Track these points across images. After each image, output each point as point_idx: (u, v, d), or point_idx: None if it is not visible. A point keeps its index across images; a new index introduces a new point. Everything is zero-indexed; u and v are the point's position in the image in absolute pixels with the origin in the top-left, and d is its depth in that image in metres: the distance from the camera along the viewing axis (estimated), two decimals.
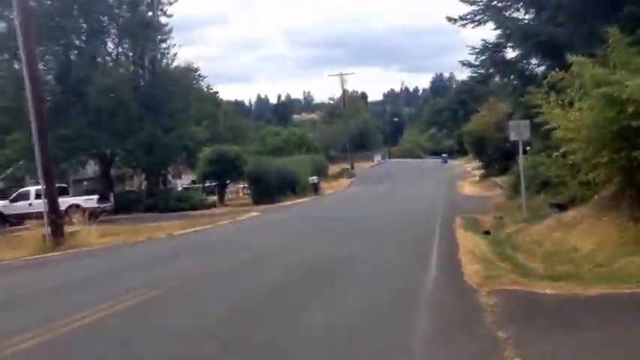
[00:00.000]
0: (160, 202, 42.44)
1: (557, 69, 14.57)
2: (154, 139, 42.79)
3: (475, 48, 23.06)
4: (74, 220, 25.98)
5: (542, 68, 18.34)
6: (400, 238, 17.98)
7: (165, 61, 45.75)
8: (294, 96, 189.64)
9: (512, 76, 22.70)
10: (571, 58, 13.25)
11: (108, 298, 10.47)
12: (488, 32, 23.25)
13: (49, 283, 13.75)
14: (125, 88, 41.32)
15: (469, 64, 24.33)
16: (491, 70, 23.91)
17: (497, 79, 25.17)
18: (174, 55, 45.70)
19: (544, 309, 8.48)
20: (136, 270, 14.70)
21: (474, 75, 24.95)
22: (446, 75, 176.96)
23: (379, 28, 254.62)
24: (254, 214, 33.21)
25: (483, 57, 23.03)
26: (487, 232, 21.54)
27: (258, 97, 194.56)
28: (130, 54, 45.98)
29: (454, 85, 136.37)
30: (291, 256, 15.24)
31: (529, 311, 8.47)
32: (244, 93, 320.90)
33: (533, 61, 20.83)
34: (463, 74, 31.04)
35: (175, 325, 8.66)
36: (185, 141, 45.15)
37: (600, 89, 12.01)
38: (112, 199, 38.77)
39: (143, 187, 47.21)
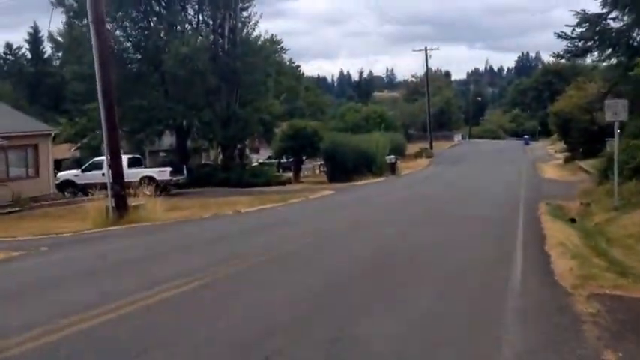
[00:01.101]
0: (233, 176, 41.85)
1: None
2: (231, 112, 42.21)
3: (578, 13, 21.08)
4: (147, 193, 25.51)
5: None
6: (480, 227, 16.44)
7: (245, 30, 44.58)
8: (376, 73, 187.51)
9: (616, 48, 20.51)
10: None
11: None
12: (586, 3, 21.44)
13: (80, 265, 12.33)
14: (203, 58, 40.57)
15: (565, 37, 22.56)
16: (589, 44, 21.96)
17: (595, 54, 23.14)
18: (255, 24, 44.62)
19: None
20: (183, 253, 13.39)
21: (570, 49, 23.04)
22: (532, 55, 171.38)
23: (466, 5, 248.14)
24: (327, 193, 32.19)
25: (582, 28, 21.16)
26: (573, 220, 19.94)
27: (341, 73, 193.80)
28: (210, 22, 45.13)
29: (540, 66, 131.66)
30: (355, 246, 13.64)
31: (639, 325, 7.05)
32: (327, 69, 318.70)
33: None
34: (550, 55, 28.86)
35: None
36: (262, 115, 44.36)
37: None
38: (185, 171, 38.46)
39: (219, 160, 46.78)
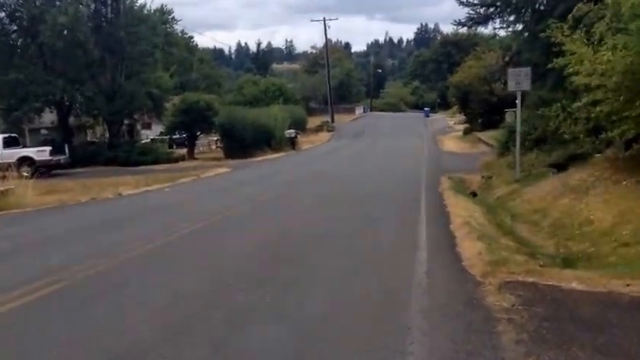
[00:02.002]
0: (121, 154, 39.15)
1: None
2: (116, 86, 39.60)
3: None
4: (24, 174, 22.93)
5: (562, 7, 14.98)
6: (381, 207, 15.29)
7: None
8: (276, 45, 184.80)
9: (522, 11, 19.44)
10: None
11: None
12: None
13: None
14: (84, 28, 37.78)
15: (467, 3, 21.64)
16: (491, 10, 21.06)
17: (497, 21, 22.28)
18: None
19: (581, 318, 6.02)
20: (36, 251, 11.11)
21: (472, 15, 22.12)
22: (431, 26, 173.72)
23: None
24: (221, 170, 30.45)
25: None
26: (474, 194, 19.33)
27: (239, 45, 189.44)
28: None
29: (439, 37, 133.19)
30: (243, 236, 11.81)
31: (560, 321, 5.95)
32: (225, 40, 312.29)
33: None
34: (450, 23, 28.01)
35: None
36: (150, 88, 41.68)
37: None
38: (67, 151, 35.58)
39: (105, 138, 43.92)
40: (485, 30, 24.30)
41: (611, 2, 10.83)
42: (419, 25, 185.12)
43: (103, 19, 40.70)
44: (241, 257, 9.76)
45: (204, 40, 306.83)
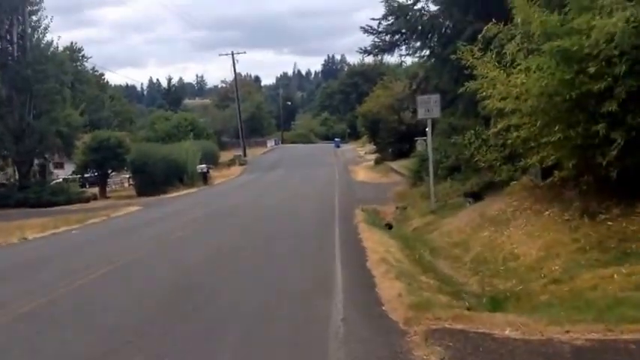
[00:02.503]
0: (32, 196, 37.13)
1: (493, 20, 11.38)
2: (25, 124, 37.68)
3: (387, 2, 19.58)
4: None
5: (469, 30, 14.45)
6: (293, 243, 14.32)
7: (36, 36, 39.75)
8: (187, 80, 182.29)
9: (429, 36, 19.00)
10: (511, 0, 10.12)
11: None
12: None
13: None
14: None
15: (372, 31, 21.23)
16: (397, 37, 20.68)
17: (403, 48, 21.95)
18: (46, 29, 40.04)
19: None
20: None
21: (378, 43, 21.71)
22: (337, 57, 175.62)
23: (271, 9, 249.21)
24: (132, 209, 28.90)
25: (388, 22, 19.78)
26: (390, 226, 18.80)
27: (150, 81, 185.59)
28: None
29: (346, 68, 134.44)
30: (142, 283, 10.81)
31: None
32: (136, 77, 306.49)
33: (458, 17, 16.72)
34: (356, 51, 27.56)
35: None
36: (60, 126, 39.91)
37: (555, 42, 8.91)
38: None
39: (13, 179, 41.38)
40: (392, 58, 24.13)
41: (520, 22, 10.37)
42: (326, 57, 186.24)
43: (9, 57, 38.82)
44: (136, 311, 8.56)
45: (116, 77, 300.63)
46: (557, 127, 9.34)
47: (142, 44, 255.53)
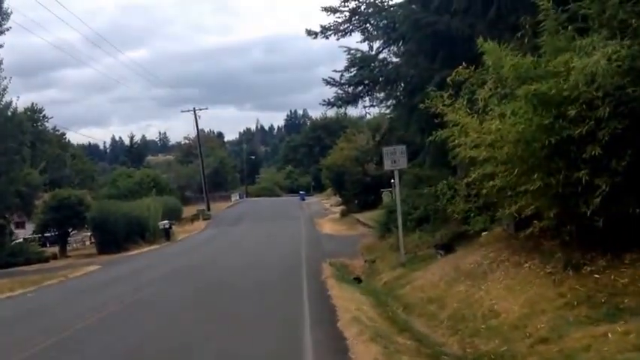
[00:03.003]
0: None
1: (463, 64, 10.93)
2: None
3: (350, 52, 19.26)
4: None
5: (437, 77, 13.96)
6: (258, 302, 13.52)
7: None
8: (150, 137, 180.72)
9: (394, 85, 18.56)
10: (480, 44, 9.70)
11: None
12: (354, 44, 19.94)
13: None
14: None
15: (334, 83, 20.91)
16: (360, 88, 20.36)
17: (367, 99, 21.66)
18: (5, 90, 39.06)
19: None
20: None
21: (341, 95, 21.37)
22: (300, 112, 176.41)
23: (231, 66, 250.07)
24: (91, 268, 27.81)
25: (350, 73, 19.45)
26: (359, 280, 18.14)
27: (113, 139, 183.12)
28: None
29: (308, 122, 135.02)
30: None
31: None
32: (99, 136, 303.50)
33: (424, 65, 16.17)
34: (319, 103, 27.27)
35: None
36: (19, 186, 38.71)
37: (530, 86, 8.46)
38: None
39: None
40: (355, 111, 23.80)
41: (491, 66, 9.93)
42: (288, 112, 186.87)
43: None
44: None
45: (79, 137, 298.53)
46: (535, 175, 8.81)
47: (104, 103, 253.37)
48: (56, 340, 10.78)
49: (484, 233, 14.72)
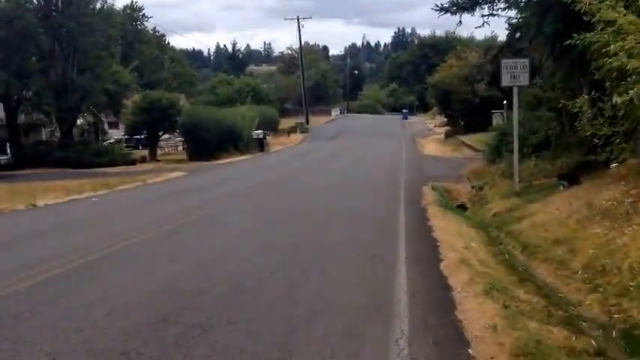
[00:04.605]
0: (73, 156, 35.91)
1: None
2: (68, 80, 36.04)
3: None
4: None
5: None
6: (345, 228, 11.74)
7: None
8: (255, 47, 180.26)
9: None
10: None
11: None
12: None
13: None
14: (30, 16, 34.32)
15: None
16: None
17: (485, 7, 18.96)
18: None
19: None
20: None
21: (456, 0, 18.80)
22: (408, 30, 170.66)
23: None
24: (174, 175, 26.93)
25: None
26: (463, 207, 16.16)
27: (218, 46, 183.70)
28: None
29: (416, 41, 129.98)
30: (142, 284, 8.17)
31: None
32: (204, 42, 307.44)
33: None
34: (426, 30, 24.56)
35: None
36: (106, 84, 38.13)
37: None
38: (8, 151, 32.04)
39: (55, 137, 40.14)
40: (470, 21, 21.06)
41: None
42: (396, 30, 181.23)
43: (52, 8, 37.01)
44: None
45: (183, 41, 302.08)
46: None
47: (210, 10, 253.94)
48: (74, 267, 8.68)
49: (613, 165, 12.49)
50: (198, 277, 8.03)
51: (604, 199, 10.47)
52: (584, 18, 9.51)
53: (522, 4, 15.07)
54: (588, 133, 10.00)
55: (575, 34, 9.79)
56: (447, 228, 11.37)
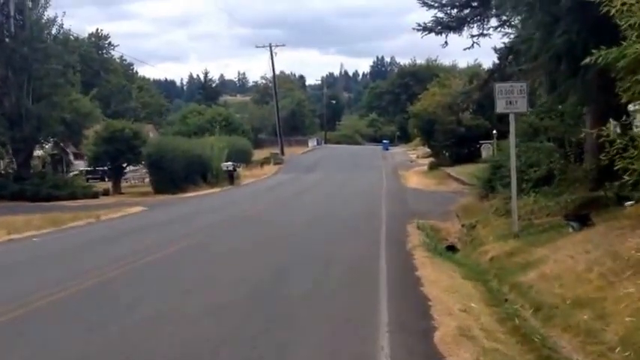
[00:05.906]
0: (29, 188, 33.72)
1: None
2: (22, 109, 33.97)
3: None
4: None
5: None
6: (316, 282, 9.70)
7: (36, 11, 36.02)
8: (228, 77, 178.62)
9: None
10: None
11: None
12: None
13: None
14: None
15: (433, 3, 16.78)
16: (467, 11, 16.05)
17: (474, 27, 17.39)
18: (47, 2, 36.33)
19: None
20: None
21: (441, 19, 17.18)
22: (387, 59, 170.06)
23: (318, 8, 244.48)
24: (133, 210, 24.83)
25: None
26: (453, 248, 14.29)
27: (191, 76, 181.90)
28: None
29: (396, 70, 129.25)
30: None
31: None
32: (176, 72, 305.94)
33: None
34: (405, 58, 23.43)
35: None
36: (63, 112, 36.24)
37: None
38: None
39: (10, 168, 37.98)
40: (458, 41, 19.33)
41: None
42: (374, 59, 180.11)
43: (5, 33, 35.17)
44: None
45: (156, 71, 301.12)
46: None
47: (183, 40, 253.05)
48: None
49: (628, 203, 11.08)
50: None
51: (632, 248, 8.53)
52: (608, 25, 7.66)
53: (524, 13, 13.17)
54: (619, 165, 8.06)
55: (593, 47, 7.93)
56: (438, 281, 9.41)
